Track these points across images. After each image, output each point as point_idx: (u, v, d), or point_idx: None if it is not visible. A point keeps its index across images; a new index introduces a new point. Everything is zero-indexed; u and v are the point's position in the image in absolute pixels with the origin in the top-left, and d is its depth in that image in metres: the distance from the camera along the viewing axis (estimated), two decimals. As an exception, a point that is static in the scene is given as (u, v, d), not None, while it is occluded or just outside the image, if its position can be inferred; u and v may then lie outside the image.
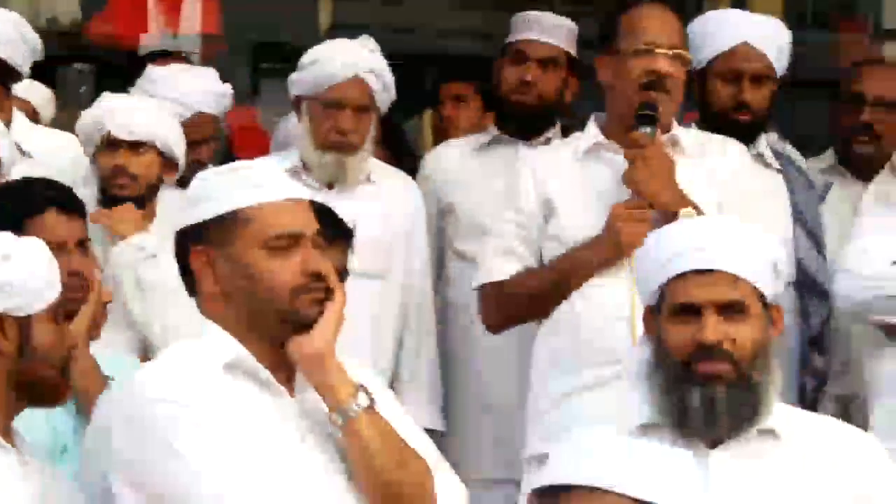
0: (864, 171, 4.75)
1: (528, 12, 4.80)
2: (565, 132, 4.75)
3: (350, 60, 4.36)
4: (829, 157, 4.81)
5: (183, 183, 4.25)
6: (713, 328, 2.92)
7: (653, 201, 3.79)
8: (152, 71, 4.84)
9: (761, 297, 2.99)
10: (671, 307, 2.98)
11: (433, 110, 5.80)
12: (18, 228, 3.16)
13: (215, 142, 4.93)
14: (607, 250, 3.81)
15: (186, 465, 2.63)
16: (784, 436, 2.97)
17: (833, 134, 4.86)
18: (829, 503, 2.93)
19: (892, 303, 4.05)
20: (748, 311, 2.96)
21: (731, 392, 2.92)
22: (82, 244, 3.40)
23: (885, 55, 6.33)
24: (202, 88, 4.83)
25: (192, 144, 4.64)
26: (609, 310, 3.79)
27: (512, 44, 4.75)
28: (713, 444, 2.95)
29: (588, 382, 3.79)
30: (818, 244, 4.40)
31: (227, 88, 4.92)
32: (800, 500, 2.92)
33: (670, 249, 2.99)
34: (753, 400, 2.94)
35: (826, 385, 4.46)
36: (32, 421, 3.17)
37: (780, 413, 3.00)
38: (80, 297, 3.30)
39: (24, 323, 2.76)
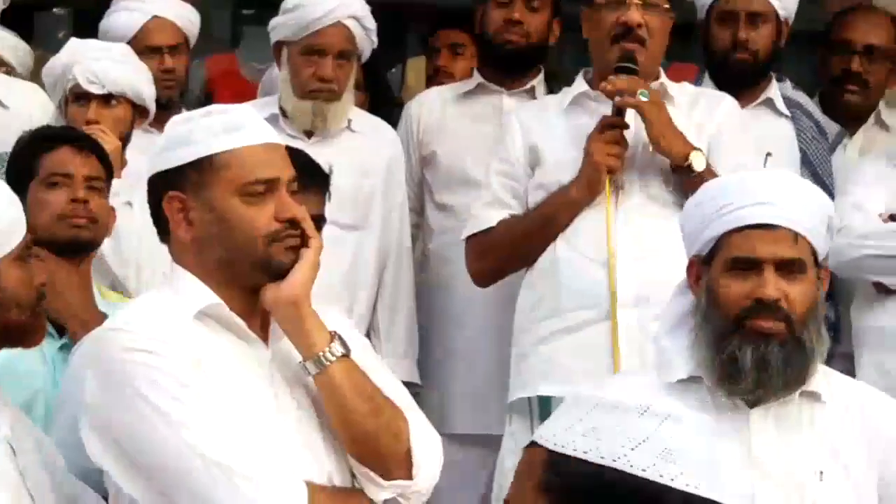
0: (849, 120, 4.72)
1: None
2: (548, 79, 4.69)
3: (332, 6, 4.29)
4: (815, 105, 4.76)
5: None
6: (774, 285, 2.86)
7: (664, 148, 3.79)
8: None
9: (815, 256, 2.94)
10: (727, 260, 2.91)
11: (427, 58, 5.70)
12: (35, 163, 3.45)
13: (184, 53, 4.83)
14: (583, 176, 3.81)
15: (155, 412, 2.59)
16: (826, 399, 2.92)
17: (820, 82, 4.82)
18: (868, 470, 2.88)
19: (882, 262, 4.02)
20: (805, 271, 2.90)
21: (783, 351, 2.86)
22: (93, 181, 3.47)
23: (873, 2, 6.24)
24: None
25: (155, 51, 4.59)
26: (587, 253, 3.80)
27: None
28: (754, 404, 2.89)
29: (567, 326, 3.79)
30: (829, 193, 4.35)
31: (190, 7, 4.86)
32: (840, 464, 2.87)
33: (731, 202, 2.93)
34: (804, 361, 2.88)
35: (839, 341, 4.42)
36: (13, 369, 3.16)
37: (823, 376, 2.95)
38: (82, 224, 3.42)
39: None
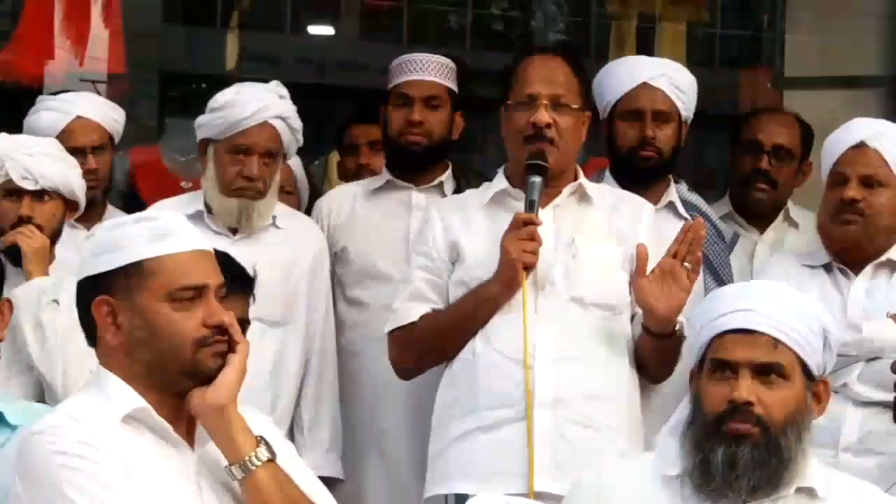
0: (759, 218, 4.84)
1: (404, 56, 4.76)
2: (456, 173, 4.76)
3: (259, 106, 4.33)
4: (724, 204, 4.89)
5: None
6: (745, 387, 2.94)
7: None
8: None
9: (804, 367, 3.01)
10: (710, 364, 3.01)
11: (342, 153, 5.72)
12: None
13: (108, 152, 4.88)
14: (500, 273, 3.85)
15: None
16: (824, 495, 2.99)
17: (730, 180, 4.95)
18: None
19: None
20: (786, 377, 2.98)
21: (755, 453, 2.93)
22: None
23: (784, 104, 6.41)
24: (83, 96, 4.83)
25: (79, 151, 4.61)
26: (504, 351, 3.84)
27: (394, 88, 4.72)
28: (748, 501, 2.96)
29: (484, 424, 3.83)
30: None
31: (114, 105, 4.92)
32: None
33: (716, 310, 3.04)
34: (777, 464, 2.95)
35: None
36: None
37: (821, 475, 3.02)
38: None
39: None
